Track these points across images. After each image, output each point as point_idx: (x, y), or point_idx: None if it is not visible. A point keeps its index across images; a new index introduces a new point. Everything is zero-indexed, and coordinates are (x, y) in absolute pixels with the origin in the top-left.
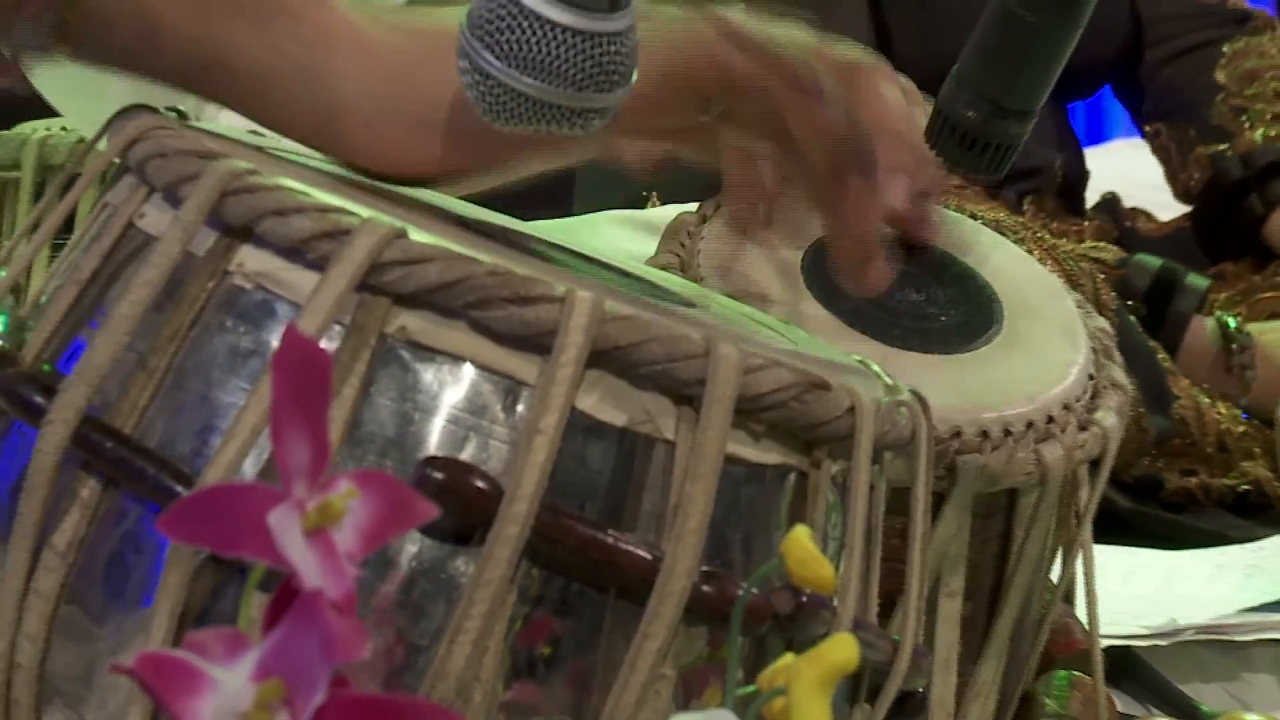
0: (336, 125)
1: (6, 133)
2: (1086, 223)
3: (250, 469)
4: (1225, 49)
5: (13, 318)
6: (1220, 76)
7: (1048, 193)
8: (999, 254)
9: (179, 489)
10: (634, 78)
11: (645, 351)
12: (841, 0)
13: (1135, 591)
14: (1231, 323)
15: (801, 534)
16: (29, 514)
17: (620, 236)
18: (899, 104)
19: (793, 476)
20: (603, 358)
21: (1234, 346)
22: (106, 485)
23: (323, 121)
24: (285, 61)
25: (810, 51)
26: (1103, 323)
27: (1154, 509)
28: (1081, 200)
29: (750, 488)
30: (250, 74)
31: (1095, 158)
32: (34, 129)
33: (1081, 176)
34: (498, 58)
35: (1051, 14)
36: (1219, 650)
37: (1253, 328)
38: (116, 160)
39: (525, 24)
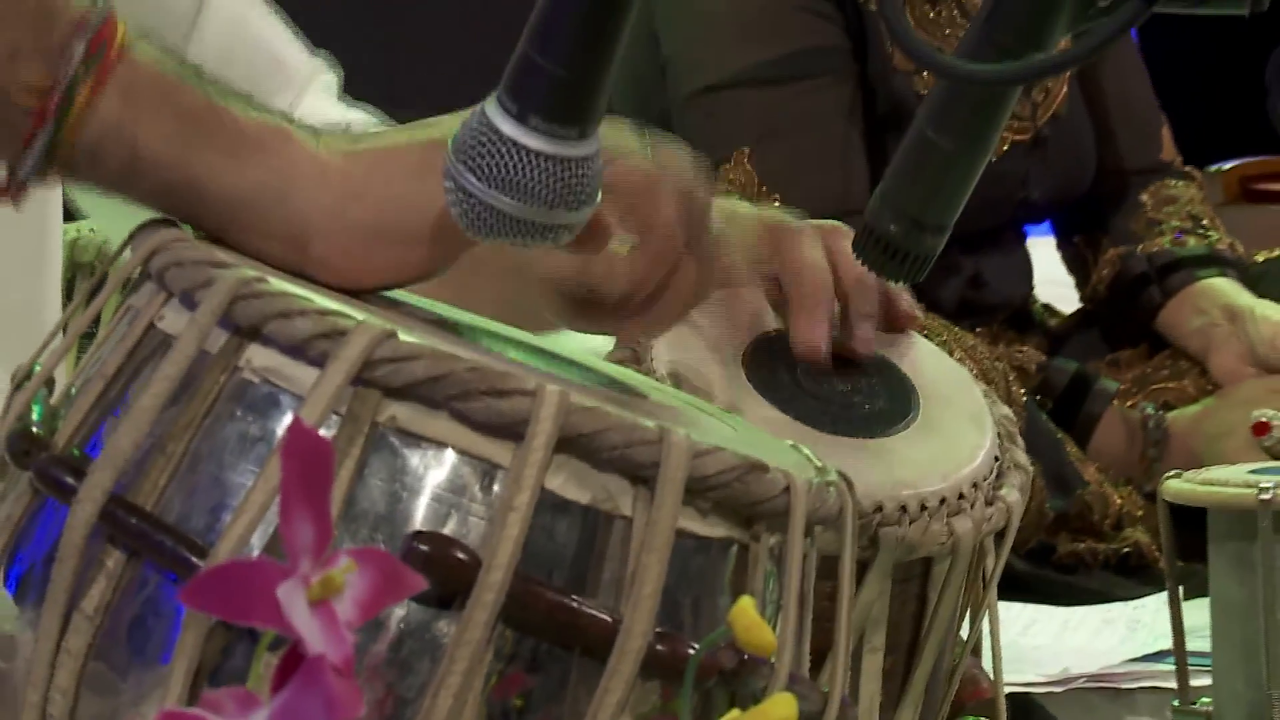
0: (303, 242)
1: None
2: (1029, 338)
3: (257, 542)
4: (1156, 183)
5: (46, 407)
6: (1143, 197)
7: (997, 314)
8: (915, 349)
9: (194, 560)
10: (598, 198)
11: (606, 438)
12: (846, 162)
13: (1032, 643)
14: (1150, 410)
15: (747, 604)
16: (61, 581)
17: (585, 334)
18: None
19: (735, 548)
20: (569, 444)
21: (1149, 440)
22: (130, 556)
23: (290, 240)
24: (255, 187)
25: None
26: (1007, 410)
27: (1047, 571)
28: (1029, 320)
29: (698, 558)
30: (223, 199)
31: None
32: (64, 231)
33: (1026, 297)
34: (479, 179)
35: (963, 142)
36: (1106, 696)
37: (1172, 417)
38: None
39: (504, 150)
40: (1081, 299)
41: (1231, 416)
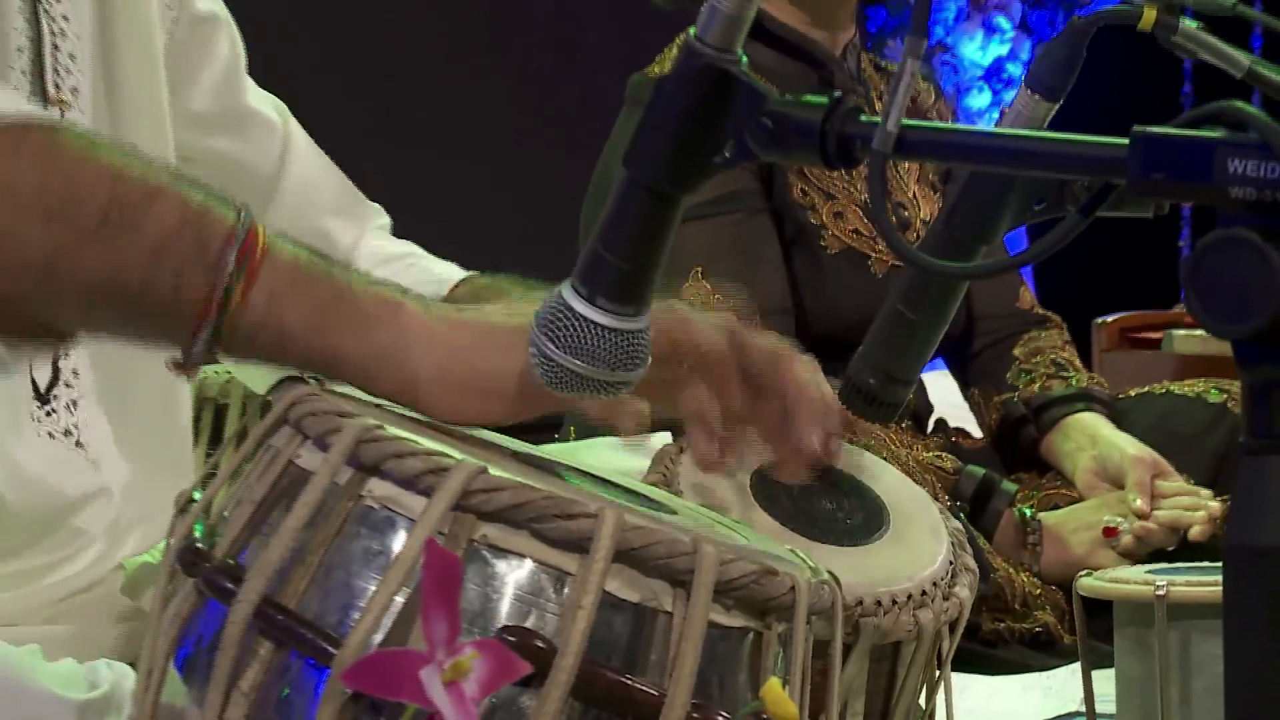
0: (413, 393)
1: None
2: (930, 439)
3: (378, 637)
4: (1024, 336)
5: (207, 526)
6: (1016, 351)
7: (904, 418)
8: (886, 476)
9: (330, 649)
10: (649, 359)
11: (653, 550)
12: (766, 273)
13: (967, 706)
14: (1028, 513)
15: (775, 683)
16: (223, 666)
17: (614, 456)
18: (811, 378)
19: (751, 635)
20: (623, 555)
21: (1029, 531)
22: (278, 645)
23: (404, 389)
24: (377, 352)
25: (751, 341)
26: (958, 524)
27: (975, 644)
28: (925, 423)
29: (723, 644)
30: (354, 364)
31: None
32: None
33: (926, 407)
34: (557, 346)
35: (927, 315)
36: None
37: (1042, 516)
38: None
39: (577, 324)
40: (983, 434)
41: (1090, 517)
